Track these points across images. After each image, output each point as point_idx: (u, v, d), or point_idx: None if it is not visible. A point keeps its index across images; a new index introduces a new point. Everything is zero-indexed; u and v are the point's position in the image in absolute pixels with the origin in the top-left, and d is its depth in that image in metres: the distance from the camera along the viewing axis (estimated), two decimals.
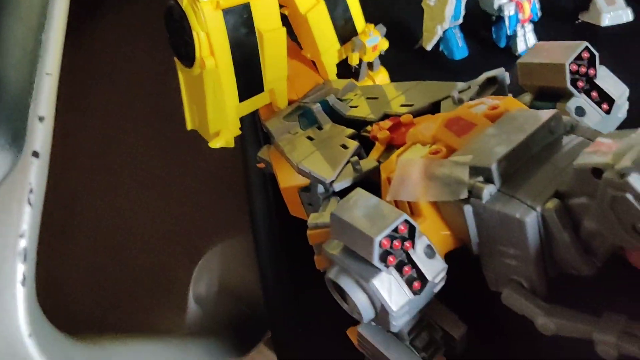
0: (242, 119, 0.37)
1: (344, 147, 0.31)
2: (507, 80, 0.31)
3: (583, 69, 0.26)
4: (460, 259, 0.25)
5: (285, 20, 0.37)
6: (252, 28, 0.35)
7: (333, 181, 0.29)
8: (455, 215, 0.24)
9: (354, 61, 0.40)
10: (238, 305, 0.48)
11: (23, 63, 0.27)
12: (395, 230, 0.22)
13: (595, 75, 0.27)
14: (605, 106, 0.27)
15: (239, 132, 0.37)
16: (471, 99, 0.29)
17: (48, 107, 0.27)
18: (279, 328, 0.37)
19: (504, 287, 0.23)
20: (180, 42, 0.34)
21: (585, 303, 0.22)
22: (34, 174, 0.26)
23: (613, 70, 0.28)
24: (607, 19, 0.42)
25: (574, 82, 0.26)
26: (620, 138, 0.19)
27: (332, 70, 0.40)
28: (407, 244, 0.23)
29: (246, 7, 0.34)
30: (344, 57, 0.40)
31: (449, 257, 0.25)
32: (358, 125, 0.33)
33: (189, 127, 0.37)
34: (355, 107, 0.35)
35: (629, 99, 0.29)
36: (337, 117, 0.35)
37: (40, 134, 0.27)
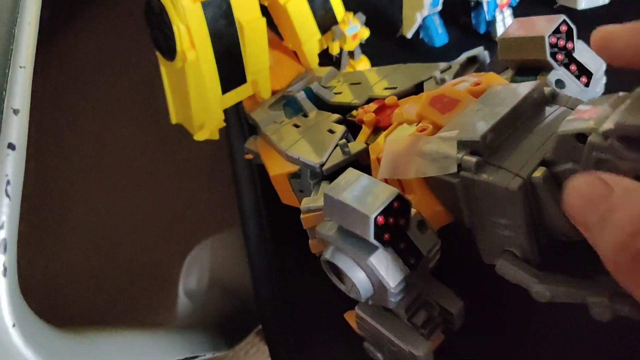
0: (226, 112, 0.37)
1: (331, 132, 0.31)
2: (487, 59, 0.32)
3: (562, 42, 0.27)
4: (453, 234, 0.25)
5: (264, 11, 0.37)
6: (231, 19, 0.35)
7: (322, 165, 0.29)
8: (446, 189, 0.24)
9: (334, 50, 0.40)
10: (228, 297, 0.47)
11: None
12: (389, 207, 0.22)
13: (574, 48, 0.27)
14: (584, 79, 0.28)
15: (224, 124, 0.37)
16: (454, 78, 0.30)
17: (23, 99, 0.27)
18: (270, 320, 0.37)
19: (498, 258, 0.24)
20: (161, 36, 0.34)
21: (577, 268, 0.22)
22: (11, 166, 0.26)
23: None
24: (584, 2, 0.42)
25: (553, 55, 0.27)
26: (601, 104, 0.20)
27: (313, 60, 0.40)
28: (401, 220, 0.23)
29: None
30: (325, 46, 0.40)
31: (442, 232, 0.25)
32: (343, 111, 0.33)
33: (174, 121, 0.37)
34: (339, 93, 0.35)
35: (606, 73, 0.29)
36: (322, 104, 0.35)
37: (16, 126, 0.26)
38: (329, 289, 0.26)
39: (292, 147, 0.31)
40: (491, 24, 0.44)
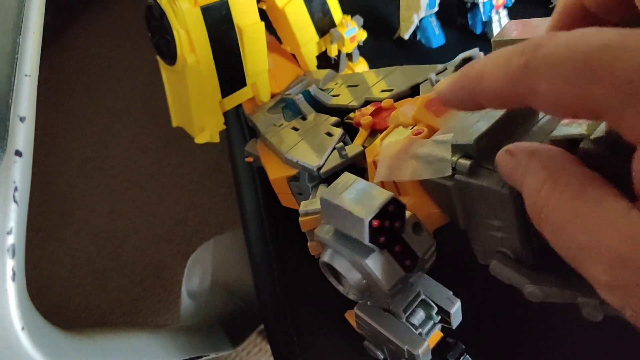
0: (226, 114, 0.38)
1: (329, 134, 0.32)
2: None
3: None
4: (449, 235, 0.26)
5: (263, 14, 0.38)
6: (231, 24, 0.35)
7: (320, 168, 0.30)
8: (441, 192, 0.24)
9: (332, 53, 0.41)
10: (230, 298, 0.48)
11: (1, 65, 0.27)
12: (385, 210, 0.23)
13: None
14: None
15: (224, 127, 0.38)
16: None
17: (28, 107, 0.28)
18: (272, 320, 0.37)
19: (492, 259, 0.24)
20: (161, 41, 0.34)
21: (571, 269, 0.23)
22: (18, 173, 0.26)
23: None
24: None
25: None
26: None
27: (312, 63, 0.40)
28: (396, 223, 0.23)
29: (224, 4, 0.34)
30: (323, 49, 0.41)
31: (439, 232, 0.25)
32: (341, 113, 0.34)
33: (174, 124, 0.38)
34: (337, 95, 0.35)
35: None
36: (320, 107, 0.35)
37: (22, 134, 0.27)
38: (330, 289, 0.27)
39: (290, 150, 0.32)
40: (487, 24, 0.44)
